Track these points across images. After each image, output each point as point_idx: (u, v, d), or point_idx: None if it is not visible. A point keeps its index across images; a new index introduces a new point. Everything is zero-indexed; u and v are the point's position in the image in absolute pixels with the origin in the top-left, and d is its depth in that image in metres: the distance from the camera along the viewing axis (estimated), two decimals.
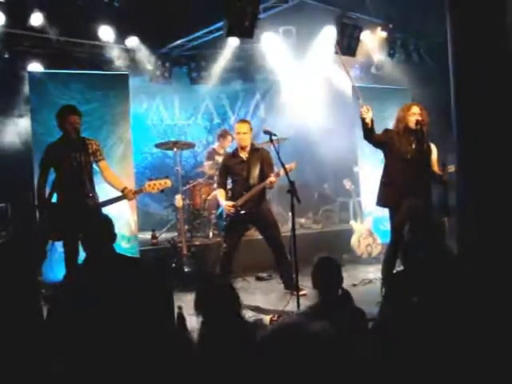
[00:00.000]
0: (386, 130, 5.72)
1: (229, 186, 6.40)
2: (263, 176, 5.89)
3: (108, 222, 3.43)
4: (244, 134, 6.01)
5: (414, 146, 5.50)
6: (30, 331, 3.46)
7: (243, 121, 6.29)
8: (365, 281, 6.66)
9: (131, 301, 3.02)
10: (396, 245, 5.56)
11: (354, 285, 6.48)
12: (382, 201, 5.68)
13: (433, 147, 5.69)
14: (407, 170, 5.43)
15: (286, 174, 5.34)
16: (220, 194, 6.19)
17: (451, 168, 5.72)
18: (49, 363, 2.99)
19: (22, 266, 3.92)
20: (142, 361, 2.73)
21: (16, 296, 3.71)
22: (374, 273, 6.98)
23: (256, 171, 5.94)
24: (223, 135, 8.71)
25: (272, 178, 5.73)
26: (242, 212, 5.91)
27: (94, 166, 5.44)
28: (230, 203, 5.97)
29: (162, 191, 5.58)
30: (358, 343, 2.95)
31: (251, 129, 6.09)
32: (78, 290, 3.18)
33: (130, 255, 3.61)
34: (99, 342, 2.96)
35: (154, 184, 5.43)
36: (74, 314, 3.04)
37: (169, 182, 5.52)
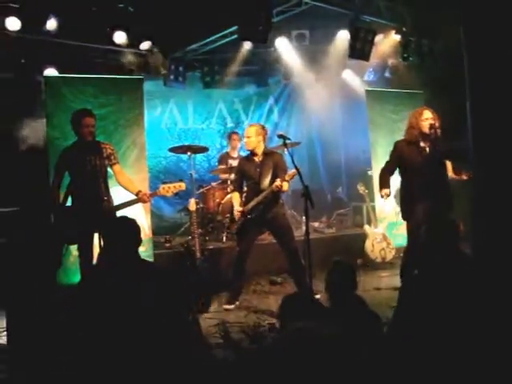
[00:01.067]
0: (396, 145, 5.76)
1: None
2: (275, 180, 5.85)
3: (135, 226, 3.46)
4: (248, 137, 6.00)
5: (427, 151, 5.50)
6: (47, 332, 3.49)
7: (250, 125, 6.30)
8: (383, 286, 6.61)
9: (148, 304, 3.03)
10: (407, 249, 5.59)
11: (378, 289, 6.46)
12: (405, 215, 5.72)
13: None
14: (420, 179, 5.44)
15: (300, 177, 5.32)
16: (234, 198, 6.20)
17: (464, 175, 5.72)
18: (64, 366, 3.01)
19: (39, 271, 3.95)
20: (158, 363, 2.74)
21: (34, 300, 3.74)
22: (389, 277, 6.95)
23: (268, 176, 5.90)
24: (230, 137, 8.87)
25: (277, 183, 5.67)
26: (250, 216, 5.90)
27: (108, 169, 5.48)
28: (240, 208, 5.97)
29: (177, 194, 5.60)
30: (371, 346, 2.94)
31: (263, 133, 6.03)
32: (95, 292, 3.20)
33: (148, 260, 3.63)
34: (115, 344, 2.97)
35: (169, 187, 5.45)
36: (90, 316, 3.05)
37: (183, 185, 5.54)
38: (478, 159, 3.74)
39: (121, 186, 5.54)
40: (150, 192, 5.69)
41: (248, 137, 5.99)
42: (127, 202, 5.39)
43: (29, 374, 3.21)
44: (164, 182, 5.57)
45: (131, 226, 3.44)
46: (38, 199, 6.26)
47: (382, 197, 5.87)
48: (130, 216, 3.73)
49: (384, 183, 5.89)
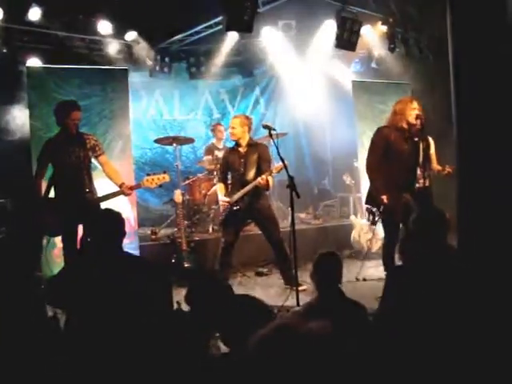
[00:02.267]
0: (380, 131, 5.60)
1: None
2: (260, 172, 5.85)
3: (120, 219, 3.42)
4: (232, 128, 6.00)
5: (408, 142, 5.45)
6: (31, 327, 3.45)
7: (235, 116, 6.34)
8: (368, 277, 6.61)
9: (130, 296, 3.00)
10: (390, 241, 5.55)
11: (358, 279, 6.47)
12: (372, 200, 5.60)
13: (431, 141, 5.66)
14: (401, 167, 5.39)
15: (286, 169, 5.32)
16: (219, 189, 6.19)
17: (449, 168, 5.65)
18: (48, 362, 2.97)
19: (21, 262, 3.91)
20: (141, 356, 2.72)
21: (15, 291, 3.70)
22: (375, 268, 6.96)
23: (253, 167, 5.91)
24: (214, 129, 8.85)
25: (260, 180, 5.68)
26: (236, 207, 5.90)
27: (93, 161, 5.45)
28: (226, 199, 5.97)
29: (160, 186, 5.58)
30: (357, 338, 2.94)
31: (247, 123, 6.02)
32: (76, 283, 3.17)
33: (130, 253, 3.60)
34: (97, 338, 2.95)
35: (152, 179, 5.44)
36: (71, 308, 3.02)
37: (167, 177, 5.52)
38: (463, 150, 3.74)
39: (107, 176, 5.51)
40: (134, 184, 5.65)
41: (233, 127, 5.98)
42: (110, 194, 5.37)
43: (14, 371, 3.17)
44: (148, 174, 5.55)
45: (115, 218, 3.41)
46: (22, 191, 6.20)
47: (382, 204, 5.42)
48: (115, 208, 3.70)
49: (380, 186, 5.47)
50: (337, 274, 3.50)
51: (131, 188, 5.43)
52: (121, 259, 3.26)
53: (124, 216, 3.67)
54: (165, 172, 5.58)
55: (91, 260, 3.31)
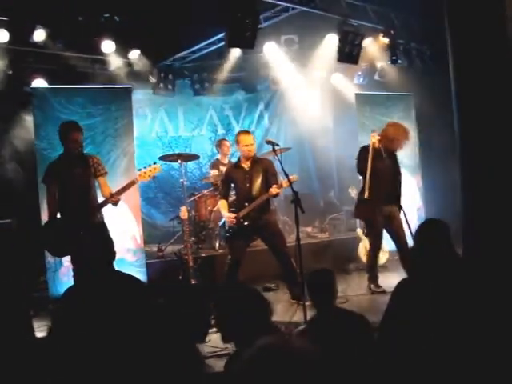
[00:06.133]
0: (364, 150, 6.35)
1: (233, 198, 6.45)
2: (266, 186, 5.87)
3: (105, 242, 3.44)
4: (252, 145, 6.03)
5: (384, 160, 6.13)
6: (21, 346, 3.46)
7: (247, 132, 6.31)
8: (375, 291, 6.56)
9: (130, 318, 2.99)
10: (379, 250, 6.37)
11: (372, 293, 6.42)
12: (357, 214, 6.62)
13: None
14: (380, 182, 6.12)
15: (290, 184, 5.33)
16: (222, 205, 6.18)
17: None
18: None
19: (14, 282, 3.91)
20: (142, 378, 2.70)
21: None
22: (382, 281, 6.92)
23: (258, 182, 5.92)
24: (219, 145, 8.78)
25: (273, 190, 5.72)
26: (245, 223, 5.90)
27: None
28: (232, 215, 5.96)
29: (154, 178, 5.54)
30: (361, 353, 2.91)
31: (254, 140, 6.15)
32: (76, 308, 3.17)
33: (126, 273, 3.58)
34: (98, 358, 2.93)
35: (145, 172, 5.44)
36: (72, 332, 3.01)
37: (159, 167, 5.53)
38: (466, 158, 3.74)
39: (103, 197, 5.49)
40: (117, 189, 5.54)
41: (251, 144, 6.01)
42: (102, 203, 5.38)
43: None
44: (139, 169, 5.56)
45: (99, 242, 3.43)
46: (28, 211, 6.22)
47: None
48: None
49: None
50: (331, 289, 3.42)
51: (116, 194, 5.33)
52: (110, 278, 3.29)
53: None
54: (155, 163, 5.58)
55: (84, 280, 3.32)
